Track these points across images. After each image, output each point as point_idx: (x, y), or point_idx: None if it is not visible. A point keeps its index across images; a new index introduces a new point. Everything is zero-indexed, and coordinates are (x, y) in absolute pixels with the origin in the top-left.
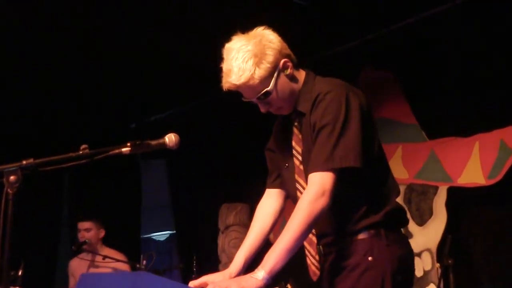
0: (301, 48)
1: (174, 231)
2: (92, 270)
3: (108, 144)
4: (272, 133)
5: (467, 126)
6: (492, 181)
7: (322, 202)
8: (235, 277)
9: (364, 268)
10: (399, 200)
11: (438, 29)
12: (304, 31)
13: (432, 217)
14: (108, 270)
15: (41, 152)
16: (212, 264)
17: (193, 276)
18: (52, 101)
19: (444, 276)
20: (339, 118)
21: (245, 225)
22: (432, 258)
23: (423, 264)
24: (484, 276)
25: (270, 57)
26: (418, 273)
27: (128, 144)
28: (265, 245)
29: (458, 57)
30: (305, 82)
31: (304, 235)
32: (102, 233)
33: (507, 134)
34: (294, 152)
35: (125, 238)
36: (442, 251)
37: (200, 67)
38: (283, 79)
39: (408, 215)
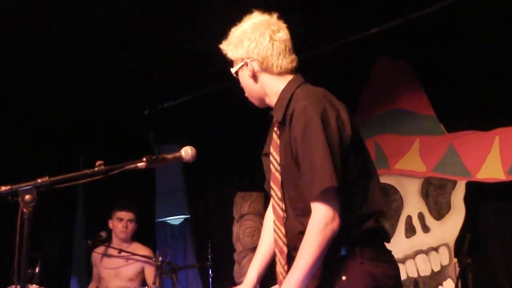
0: (316, 37)
1: (188, 216)
2: (109, 260)
3: (121, 130)
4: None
5: (486, 120)
6: None
7: (333, 226)
8: None
9: None
10: (416, 193)
11: (457, 18)
12: (319, 20)
13: (450, 211)
14: (124, 261)
15: (55, 138)
16: (227, 252)
17: (209, 263)
18: (65, 88)
19: (462, 274)
20: (316, 140)
21: (260, 214)
22: (450, 253)
23: (440, 259)
24: (503, 273)
25: (244, 49)
26: (435, 267)
27: (144, 159)
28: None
29: (478, 48)
30: (285, 89)
31: (318, 261)
32: (136, 227)
33: None
34: (271, 158)
35: (141, 223)
36: (460, 247)
37: (214, 55)
38: (244, 73)
39: (429, 212)
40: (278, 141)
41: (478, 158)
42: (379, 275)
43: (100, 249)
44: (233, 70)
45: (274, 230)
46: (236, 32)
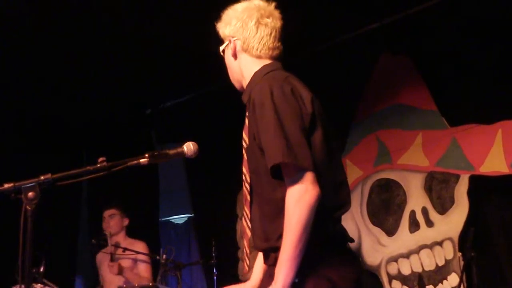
0: (318, 33)
1: (192, 214)
2: (113, 262)
3: (124, 129)
4: None
5: (489, 113)
6: None
7: (309, 198)
8: None
9: None
10: (419, 188)
11: (458, 12)
12: (321, 16)
13: (454, 205)
14: (129, 262)
15: (57, 138)
16: (231, 249)
17: (213, 261)
18: (68, 88)
19: (467, 268)
20: (268, 120)
21: None
22: (454, 247)
23: (444, 253)
24: (508, 266)
25: (231, 27)
26: (440, 262)
27: (146, 155)
28: None
29: (479, 41)
30: (257, 72)
31: (303, 236)
32: (126, 222)
33: None
34: (242, 142)
35: (144, 222)
36: (464, 241)
37: (215, 53)
38: (228, 52)
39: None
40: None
41: (481, 152)
42: (336, 278)
43: (104, 249)
44: (220, 48)
45: (243, 214)
46: (229, 11)
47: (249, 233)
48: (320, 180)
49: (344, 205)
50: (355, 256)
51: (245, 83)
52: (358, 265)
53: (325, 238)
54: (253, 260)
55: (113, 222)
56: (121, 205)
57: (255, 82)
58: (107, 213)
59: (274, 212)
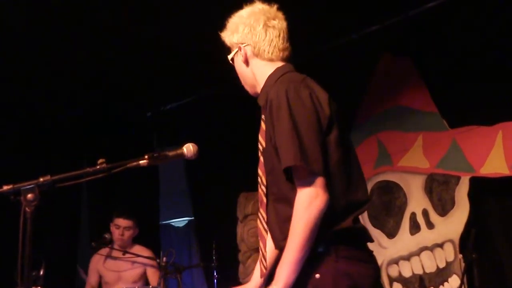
0: (319, 35)
1: (193, 218)
2: (112, 263)
3: (124, 132)
4: None
5: (489, 115)
6: None
7: (318, 203)
8: None
9: None
10: (419, 189)
11: (459, 14)
12: (321, 18)
13: (454, 207)
14: (129, 264)
15: (58, 141)
16: (232, 252)
17: (214, 264)
18: (69, 91)
19: (468, 270)
20: (283, 123)
21: None
22: (455, 249)
23: (445, 255)
24: (509, 267)
25: (239, 34)
26: (441, 264)
27: (146, 156)
28: None
29: (480, 43)
30: (271, 75)
31: (309, 240)
32: (136, 232)
33: None
34: (258, 145)
35: (145, 225)
36: (465, 242)
37: (216, 56)
38: (238, 59)
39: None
40: (264, 128)
41: (482, 153)
42: (354, 274)
43: (104, 251)
44: (229, 57)
45: (258, 216)
46: (234, 18)
47: (265, 235)
48: (334, 182)
49: (364, 203)
50: (373, 254)
51: (259, 88)
52: (376, 262)
53: (345, 235)
54: (253, 262)
55: (128, 234)
56: (137, 217)
57: (270, 85)
58: (123, 222)
59: (290, 212)
